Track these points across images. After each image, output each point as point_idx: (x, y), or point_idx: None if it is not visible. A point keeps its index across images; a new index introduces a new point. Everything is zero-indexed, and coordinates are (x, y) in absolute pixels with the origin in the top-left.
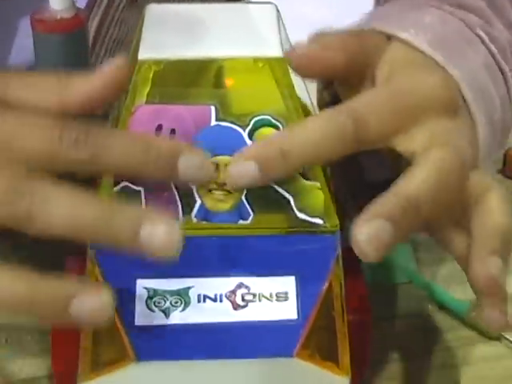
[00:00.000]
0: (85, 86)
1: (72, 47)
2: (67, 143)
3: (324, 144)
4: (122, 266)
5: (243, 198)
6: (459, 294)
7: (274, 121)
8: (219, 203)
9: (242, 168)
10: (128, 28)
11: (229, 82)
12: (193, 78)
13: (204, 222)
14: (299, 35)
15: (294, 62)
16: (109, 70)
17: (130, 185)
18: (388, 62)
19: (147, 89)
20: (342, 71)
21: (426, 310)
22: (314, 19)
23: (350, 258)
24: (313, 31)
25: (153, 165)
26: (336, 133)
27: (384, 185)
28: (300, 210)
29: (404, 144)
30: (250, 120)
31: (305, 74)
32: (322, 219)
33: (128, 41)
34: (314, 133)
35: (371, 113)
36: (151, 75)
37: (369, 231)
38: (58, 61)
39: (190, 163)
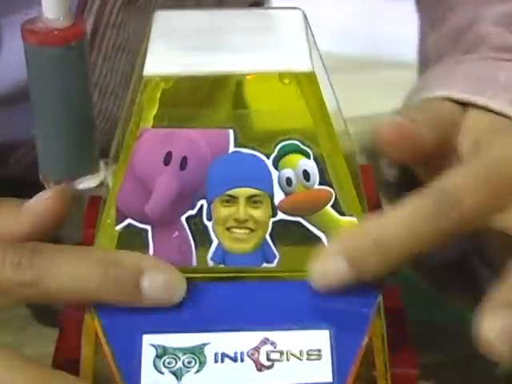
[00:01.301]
0: (28, 217)
1: (69, 62)
2: (9, 265)
3: (422, 232)
4: (125, 319)
5: (267, 236)
6: None
7: (303, 146)
8: (239, 243)
9: (328, 264)
10: (129, 33)
11: (250, 101)
12: (208, 97)
13: (222, 266)
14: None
15: (384, 139)
16: (37, 204)
17: (136, 222)
18: (472, 132)
19: (154, 110)
20: (432, 149)
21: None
22: (330, 23)
23: (392, 299)
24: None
25: (112, 287)
26: (433, 219)
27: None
28: None
29: (505, 221)
30: (275, 146)
31: (394, 154)
32: None
33: (130, 48)
34: (409, 220)
35: (467, 193)
36: (159, 94)
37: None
38: (53, 77)
39: (156, 283)
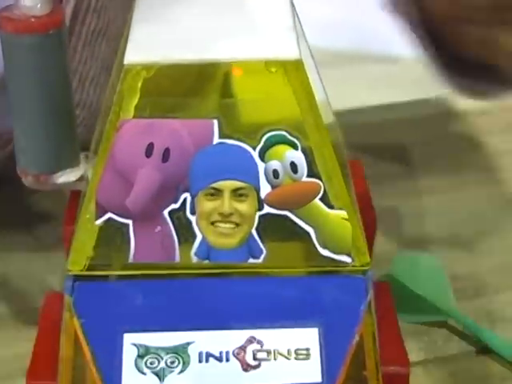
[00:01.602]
0: None
1: (48, 51)
2: None
3: None
4: (105, 317)
5: (254, 231)
6: (509, 332)
7: (290, 137)
8: (224, 238)
9: None
10: (109, 18)
11: (235, 90)
12: (191, 86)
13: (206, 262)
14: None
15: None
16: None
17: (116, 217)
18: None
19: (135, 99)
20: None
21: (469, 353)
22: (318, 17)
23: (381, 296)
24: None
25: None
26: None
27: None
28: (323, 246)
29: None
30: (262, 136)
31: None
32: (350, 256)
33: (111, 34)
34: None
35: None
36: (140, 83)
37: None
38: (30, 67)
39: None
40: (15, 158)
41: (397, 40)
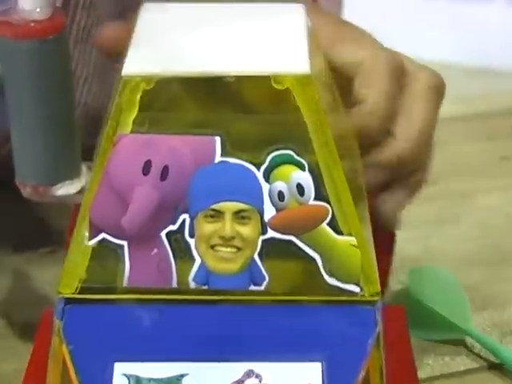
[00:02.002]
0: None
1: (48, 57)
2: None
3: None
4: (96, 344)
5: (256, 256)
6: None
7: (297, 157)
8: (225, 263)
9: None
10: (99, 14)
11: (240, 105)
12: (193, 101)
13: (205, 288)
14: None
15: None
16: None
17: (111, 237)
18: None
19: (133, 113)
20: None
21: (478, 370)
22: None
23: (395, 322)
24: None
25: None
26: None
27: None
28: (330, 274)
29: None
30: (267, 155)
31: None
32: (359, 285)
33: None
34: None
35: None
36: (139, 96)
37: None
38: (29, 73)
39: None
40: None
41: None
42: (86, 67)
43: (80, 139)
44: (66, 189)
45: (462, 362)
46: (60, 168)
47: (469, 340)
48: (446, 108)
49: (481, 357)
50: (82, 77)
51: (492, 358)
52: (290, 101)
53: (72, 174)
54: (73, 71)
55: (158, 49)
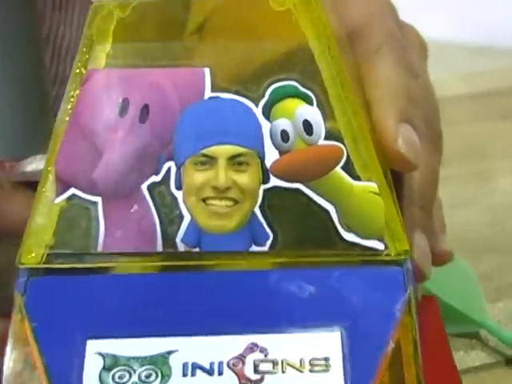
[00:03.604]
0: None
1: (11, 9)
2: None
3: None
4: (64, 321)
5: (257, 210)
6: None
7: (302, 89)
8: (219, 219)
9: None
10: None
11: (231, 31)
12: (176, 28)
13: (196, 250)
14: None
15: None
16: None
17: (81, 193)
18: None
19: (107, 45)
20: None
21: (500, 365)
22: None
23: (428, 310)
24: None
25: None
26: None
27: None
28: (346, 228)
29: None
30: (266, 88)
31: None
32: (383, 241)
33: None
34: None
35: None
36: (113, 25)
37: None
38: None
39: None
40: None
41: None
42: (68, 36)
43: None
44: (36, 164)
45: (477, 357)
46: (31, 140)
47: (483, 333)
48: (455, 86)
49: (497, 351)
50: (64, 46)
51: (509, 352)
52: (291, 24)
53: (44, 146)
54: (53, 41)
55: None
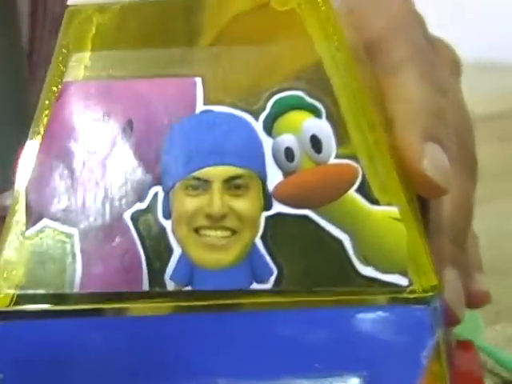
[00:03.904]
0: None
1: None
2: None
3: None
4: (35, 373)
5: (258, 241)
6: None
7: (309, 99)
8: (215, 252)
9: None
10: None
11: (227, 34)
12: (164, 32)
13: (188, 289)
14: None
15: None
16: None
17: (56, 223)
18: None
19: (85, 53)
20: None
21: None
22: None
23: (465, 357)
24: None
25: None
26: None
27: None
28: (363, 261)
29: None
30: (267, 100)
31: None
32: (406, 276)
33: None
34: None
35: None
36: (92, 32)
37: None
38: None
39: None
40: None
41: None
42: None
43: None
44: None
45: None
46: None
47: (481, 355)
48: None
49: (494, 373)
50: (46, 28)
51: (506, 375)
52: (295, 25)
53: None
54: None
55: None
